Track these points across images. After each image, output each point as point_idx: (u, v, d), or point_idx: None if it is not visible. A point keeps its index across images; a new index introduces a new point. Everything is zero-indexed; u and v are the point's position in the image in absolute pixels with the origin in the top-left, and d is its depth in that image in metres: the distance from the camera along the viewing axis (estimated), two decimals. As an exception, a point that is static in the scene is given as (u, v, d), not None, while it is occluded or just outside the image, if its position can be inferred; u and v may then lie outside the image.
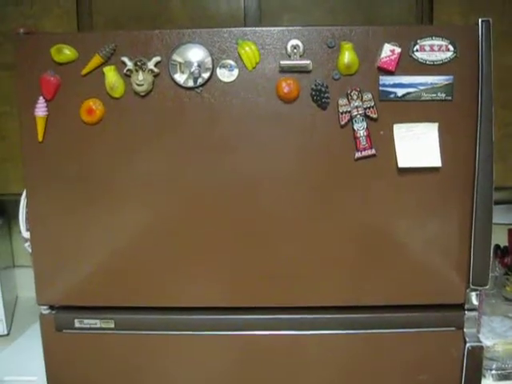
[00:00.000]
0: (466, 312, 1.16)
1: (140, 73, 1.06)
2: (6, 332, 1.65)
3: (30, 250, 1.19)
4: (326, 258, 1.14)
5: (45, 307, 1.19)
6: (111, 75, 1.07)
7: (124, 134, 1.10)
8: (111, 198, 1.13)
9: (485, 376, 1.34)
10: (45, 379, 1.23)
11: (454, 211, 1.12)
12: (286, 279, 1.15)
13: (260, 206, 1.12)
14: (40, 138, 1.10)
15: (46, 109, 1.09)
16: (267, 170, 1.10)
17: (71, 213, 1.14)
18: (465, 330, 1.17)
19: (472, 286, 1.13)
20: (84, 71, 1.08)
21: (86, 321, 1.17)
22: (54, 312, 1.19)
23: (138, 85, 1.06)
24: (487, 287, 1.13)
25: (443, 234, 1.13)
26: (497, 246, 1.81)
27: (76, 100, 1.09)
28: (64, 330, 1.18)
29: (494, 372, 1.35)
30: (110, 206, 1.13)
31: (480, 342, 1.15)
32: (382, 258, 1.14)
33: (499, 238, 1.72)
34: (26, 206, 1.18)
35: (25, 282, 1.86)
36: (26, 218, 1.20)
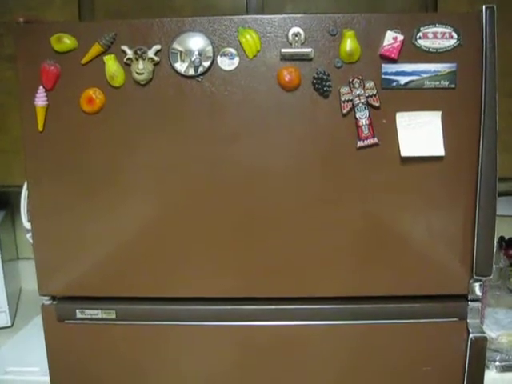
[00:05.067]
0: (470, 303, 1.15)
1: (140, 61, 1.05)
2: (9, 323, 1.66)
3: (32, 241, 1.18)
4: (328, 248, 1.13)
5: (46, 298, 1.19)
6: (111, 64, 1.06)
7: (124, 123, 1.09)
8: (112, 189, 1.12)
9: (488, 367, 1.34)
10: (47, 370, 1.23)
11: (457, 201, 1.11)
12: (290, 270, 1.14)
13: (261, 196, 1.11)
14: (40, 128, 1.10)
15: (45, 98, 1.09)
16: (268, 159, 1.10)
17: (72, 203, 1.14)
18: (468, 320, 1.16)
19: (475, 277, 1.12)
20: (84, 60, 1.07)
21: (87, 311, 1.16)
22: (55, 303, 1.19)
23: (139, 73, 1.06)
24: (491, 277, 1.12)
25: (446, 224, 1.12)
26: (501, 238, 1.80)
27: (76, 89, 1.08)
28: (66, 321, 1.18)
29: (497, 364, 1.34)
30: (110, 196, 1.13)
31: (483, 332, 1.14)
32: (384, 248, 1.13)
33: (504, 230, 1.71)
34: (28, 197, 1.17)
35: (28, 274, 1.85)
36: (28, 209, 1.20)
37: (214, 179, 1.11)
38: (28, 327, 1.63)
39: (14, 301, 1.79)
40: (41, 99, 1.08)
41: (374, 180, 1.10)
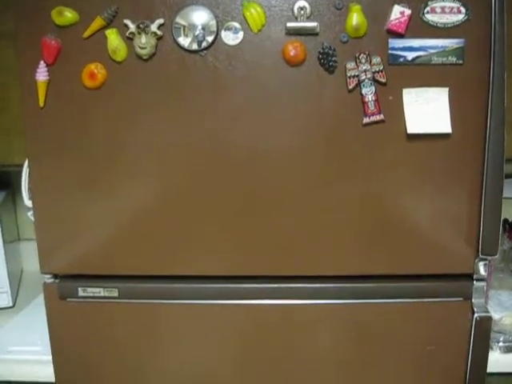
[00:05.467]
0: (475, 282, 1.15)
1: (143, 36, 1.03)
2: (11, 304, 1.66)
3: (33, 219, 1.17)
4: (332, 227, 1.12)
5: (48, 276, 1.18)
6: (113, 38, 1.04)
7: (127, 98, 1.08)
8: (114, 166, 1.11)
9: (492, 348, 1.34)
10: (49, 349, 1.22)
11: (463, 179, 1.09)
12: (292, 248, 1.13)
13: (264, 173, 1.10)
14: (41, 104, 1.08)
15: (47, 73, 1.07)
16: (272, 135, 1.08)
17: (74, 181, 1.12)
18: (473, 300, 1.15)
19: (481, 256, 1.11)
20: (85, 34, 1.05)
21: (89, 289, 1.16)
22: (57, 281, 1.18)
23: (141, 48, 1.04)
24: (496, 256, 1.11)
25: (452, 203, 1.11)
26: (505, 221, 1.79)
27: (77, 64, 1.06)
28: (68, 299, 1.17)
29: (501, 344, 1.34)
30: (112, 173, 1.11)
31: (488, 312, 1.14)
32: (389, 226, 1.12)
33: (508, 213, 1.69)
34: (29, 175, 1.16)
35: (30, 255, 1.85)
36: (29, 187, 1.19)
37: (217, 156, 1.09)
38: (30, 307, 1.63)
39: (16, 282, 1.79)
40: (42, 74, 1.06)
41: (380, 157, 1.09)
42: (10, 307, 1.66)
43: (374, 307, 1.15)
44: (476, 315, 1.13)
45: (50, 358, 1.24)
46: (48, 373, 1.26)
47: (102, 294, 1.16)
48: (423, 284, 1.15)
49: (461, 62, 1.05)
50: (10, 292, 1.66)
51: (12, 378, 1.33)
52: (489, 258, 1.12)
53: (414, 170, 1.09)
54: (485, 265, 1.13)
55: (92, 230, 1.14)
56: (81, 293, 1.16)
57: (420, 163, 1.09)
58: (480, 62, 1.05)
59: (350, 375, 1.21)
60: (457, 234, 1.12)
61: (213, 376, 1.22)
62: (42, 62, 1.06)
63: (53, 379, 1.25)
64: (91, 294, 1.16)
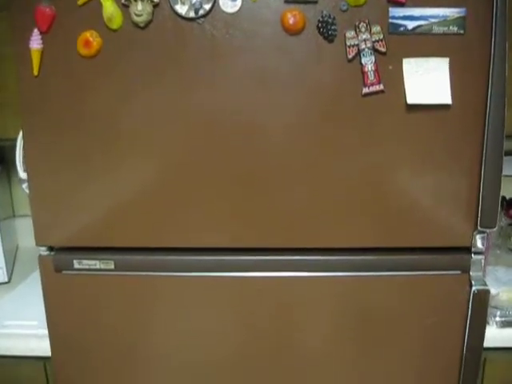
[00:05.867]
0: (473, 255, 1.14)
1: (139, 2, 1.01)
2: (6, 279, 1.65)
3: (28, 192, 1.16)
4: (330, 198, 1.11)
5: (43, 248, 1.17)
6: (109, 5, 1.02)
7: (122, 67, 1.06)
8: (110, 135, 1.09)
9: (489, 323, 1.34)
10: (45, 323, 1.22)
11: (463, 151, 1.08)
12: (290, 221, 1.12)
13: (263, 143, 1.08)
14: (35, 72, 1.06)
15: (41, 41, 1.05)
16: (271, 104, 1.06)
17: (69, 152, 1.11)
18: (471, 273, 1.15)
19: (480, 228, 1.11)
20: (80, 1, 1.03)
21: (85, 261, 1.15)
22: (52, 253, 1.17)
23: (137, 15, 1.02)
24: (495, 229, 1.11)
25: (451, 176, 1.10)
26: (503, 198, 1.79)
27: (72, 32, 1.04)
28: (63, 271, 1.16)
29: (498, 319, 1.34)
30: (108, 145, 1.10)
31: (486, 285, 1.13)
32: (388, 199, 1.11)
33: (505, 190, 1.69)
34: (23, 146, 1.15)
35: (25, 232, 1.84)
36: (23, 159, 1.17)
37: (214, 126, 1.08)
38: (26, 282, 1.63)
39: (11, 258, 1.78)
40: (35, 42, 1.05)
41: (379, 129, 1.07)
42: (6, 283, 1.66)
43: (372, 280, 1.15)
44: (474, 288, 1.13)
45: (46, 332, 1.23)
46: (44, 347, 1.26)
47: (97, 267, 1.15)
48: (421, 257, 1.14)
49: (462, 31, 1.03)
50: (5, 268, 1.66)
51: (8, 353, 1.33)
52: (487, 230, 1.11)
53: (414, 141, 1.08)
54: (483, 238, 1.13)
55: (88, 202, 1.13)
56: (76, 265, 1.15)
57: (419, 135, 1.08)
58: (481, 33, 1.04)
59: (348, 347, 1.20)
60: (456, 207, 1.11)
61: (210, 348, 1.21)
62: (35, 30, 1.05)
63: (49, 353, 1.25)
64: (87, 267, 1.15)
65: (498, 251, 1.67)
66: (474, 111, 1.07)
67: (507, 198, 1.79)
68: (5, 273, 1.66)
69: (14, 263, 1.79)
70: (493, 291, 1.40)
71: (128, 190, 1.12)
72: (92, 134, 1.09)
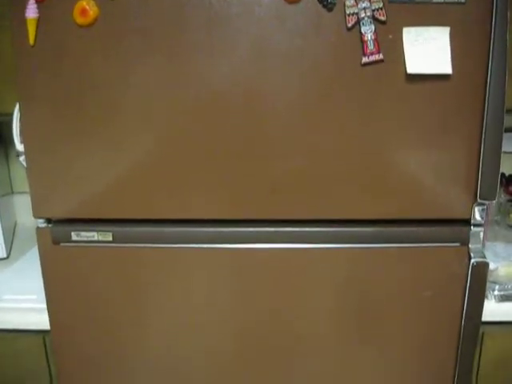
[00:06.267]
0: (472, 227, 1.14)
1: (136, -30, 1.00)
2: (5, 255, 1.65)
3: (25, 164, 1.15)
4: (328, 169, 1.11)
5: (41, 221, 1.17)
6: (105, -27, 1.01)
7: (119, 36, 1.04)
8: (106, 107, 1.08)
9: (487, 298, 1.34)
10: (44, 298, 1.22)
11: (463, 122, 1.08)
12: (288, 191, 1.12)
13: (261, 113, 1.07)
14: (31, 42, 1.05)
15: (36, 10, 1.03)
16: (268, 74, 1.05)
17: (66, 124, 1.10)
18: (470, 245, 1.14)
19: (479, 200, 1.10)
20: (76, -31, 1.02)
21: (83, 233, 1.14)
22: (50, 225, 1.17)
23: (134, -17, 1.00)
24: (494, 201, 1.10)
25: (451, 147, 1.09)
26: (502, 175, 1.78)
27: (68, 0, 1.03)
28: (61, 244, 1.16)
29: (496, 293, 1.35)
30: (105, 115, 1.09)
31: (485, 257, 1.13)
32: (386, 170, 1.10)
33: (505, 167, 1.68)
34: (20, 118, 1.14)
35: (23, 209, 1.84)
36: (20, 131, 1.16)
37: (211, 96, 1.07)
38: (24, 258, 1.63)
39: (10, 234, 1.78)
40: (31, 11, 1.03)
41: (378, 99, 1.06)
42: (4, 258, 1.65)
43: (371, 252, 1.15)
44: (473, 260, 1.13)
45: (44, 306, 1.23)
46: (43, 320, 1.26)
47: (95, 239, 1.14)
48: (421, 229, 1.14)
49: (463, 0, 1.02)
50: (3, 244, 1.66)
51: (7, 326, 1.33)
52: (487, 202, 1.10)
53: (413, 112, 1.07)
54: (482, 210, 1.12)
55: (85, 173, 1.12)
56: (74, 237, 1.14)
57: (419, 106, 1.07)
58: (482, 2, 1.02)
59: (346, 319, 1.21)
60: (455, 179, 1.10)
61: (207, 319, 1.21)
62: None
63: (48, 327, 1.25)
64: (85, 239, 1.14)
65: (497, 227, 1.67)
66: (474, 83, 1.06)
67: (506, 174, 1.78)
68: (3, 249, 1.66)
69: (12, 240, 1.79)
70: (491, 266, 1.39)
71: (126, 162, 1.11)
72: (89, 105, 1.08)
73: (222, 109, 1.07)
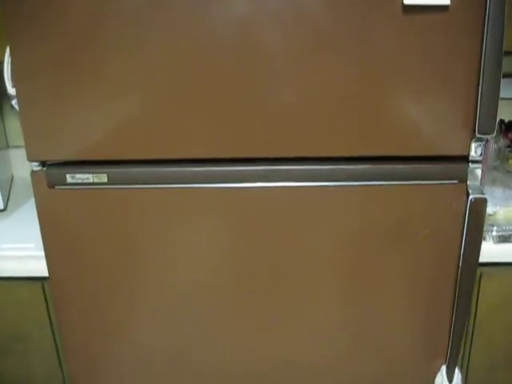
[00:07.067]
0: (470, 164, 1.13)
1: None
2: (2, 207, 1.65)
3: (18, 108, 1.14)
4: (323, 106, 1.08)
5: (36, 164, 1.15)
6: None
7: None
8: (99, 43, 1.05)
9: (485, 239, 1.34)
10: (41, 246, 1.22)
11: (462, 55, 1.05)
12: (283, 129, 1.10)
13: (254, 51, 1.05)
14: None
15: None
16: (262, 9, 1.02)
17: (59, 62, 1.07)
18: (468, 182, 1.13)
19: (478, 135, 1.08)
20: None
21: (78, 175, 1.13)
22: (44, 168, 1.15)
23: None
24: (493, 135, 1.09)
25: (449, 81, 1.07)
26: (501, 121, 1.77)
27: None
28: (56, 187, 1.15)
29: (494, 234, 1.35)
30: (97, 54, 1.06)
31: (483, 194, 1.12)
32: (384, 105, 1.08)
33: (503, 113, 1.67)
34: (11, 62, 1.12)
35: (20, 162, 1.84)
36: (12, 75, 1.14)
37: (206, 36, 1.04)
38: (22, 209, 1.63)
39: (6, 187, 1.78)
40: None
41: (375, 32, 1.04)
42: (2, 210, 1.65)
43: (367, 190, 1.14)
44: (471, 197, 1.11)
45: (42, 253, 1.23)
46: (41, 268, 1.26)
47: (90, 181, 1.13)
48: (418, 166, 1.13)
49: None
50: (0, 196, 1.65)
51: (5, 274, 1.33)
52: (485, 137, 1.09)
53: (411, 46, 1.05)
54: (480, 146, 1.11)
55: (79, 114, 1.10)
56: (69, 179, 1.13)
57: (416, 39, 1.04)
58: None
59: (343, 257, 1.21)
60: (453, 112, 1.08)
61: (205, 259, 1.22)
62: None
63: (46, 274, 1.25)
64: (80, 181, 1.13)
65: (496, 173, 1.66)
66: (473, 13, 1.03)
67: (506, 121, 1.77)
68: (0, 201, 1.65)
69: (9, 193, 1.78)
70: (490, 210, 1.40)
71: (119, 102, 1.09)
72: (83, 40, 1.05)
73: (216, 49, 1.05)
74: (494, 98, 1.06)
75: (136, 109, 1.09)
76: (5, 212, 1.65)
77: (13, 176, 1.90)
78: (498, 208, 1.44)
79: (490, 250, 1.32)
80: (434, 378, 1.33)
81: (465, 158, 1.13)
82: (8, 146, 1.90)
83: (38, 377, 1.46)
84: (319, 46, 1.05)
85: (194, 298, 1.25)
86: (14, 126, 1.88)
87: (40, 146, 1.13)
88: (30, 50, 1.07)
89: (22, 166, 1.84)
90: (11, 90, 1.17)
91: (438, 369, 1.32)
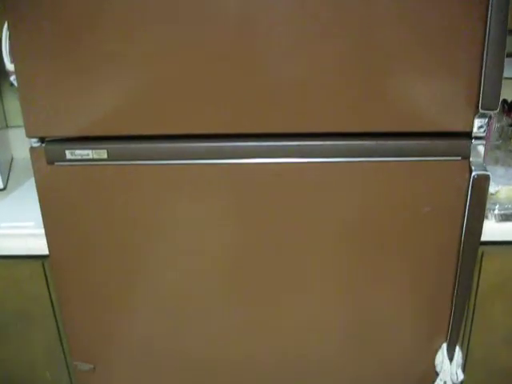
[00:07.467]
0: (473, 140, 1.12)
1: None
2: (2, 186, 1.64)
3: (16, 84, 1.12)
4: (326, 80, 1.07)
5: (35, 140, 1.15)
6: None
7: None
8: (98, 21, 1.04)
9: (487, 217, 1.33)
10: (42, 224, 1.21)
11: (465, 33, 1.03)
12: (289, 103, 1.08)
13: (257, 25, 1.03)
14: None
15: None
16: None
17: (57, 37, 1.05)
18: (471, 159, 1.12)
19: (481, 111, 1.07)
20: None
21: (77, 152, 1.12)
22: (44, 145, 1.14)
23: None
24: (497, 111, 1.07)
25: (452, 57, 1.06)
26: (504, 101, 1.76)
27: None
28: (55, 163, 1.14)
29: (496, 212, 1.34)
30: (99, 27, 1.04)
31: (486, 170, 1.11)
32: (385, 81, 1.07)
33: (507, 93, 1.66)
34: (9, 38, 1.10)
35: (19, 143, 1.83)
36: (10, 50, 1.13)
37: (209, 9, 1.03)
38: (21, 189, 1.62)
39: (6, 166, 1.77)
40: None
41: (375, 9, 1.02)
42: (2, 189, 1.64)
43: (370, 166, 1.13)
44: (474, 173, 1.11)
45: (42, 231, 1.22)
46: (41, 246, 1.26)
47: (90, 157, 1.12)
48: (421, 142, 1.12)
49: None
50: (0, 175, 1.64)
51: (5, 252, 1.33)
52: (488, 112, 1.08)
53: (412, 23, 1.03)
54: (484, 122, 1.10)
55: (78, 89, 1.09)
56: (69, 156, 1.12)
57: (418, 14, 1.03)
58: None
59: (346, 233, 1.20)
60: (456, 88, 1.07)
61: (207, 236, 1.21)
62: None
63: (46, 252, 1.25)
64: (79, 157, 1.12)
65: (499, 152, 1.65)
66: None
67: (509, 100, 1.76)
68: (0, 180, 1.64)
69: (9, 173, 1.77)
70: (492, 189, 1.39)
71: (120, 78, 1.08)
72: (83, 17, 1.04)
73: (218, 23, 1.03)
74: (498, 74, 1.05)
75: (136, 84, 1.08)
76: (4, 191, 1.64)
77: (13, 157, 1.90)
78: (500, 187, 1.42)
79: (492, 229, 1.31)
80: (435, 356, 1.33)
81: (468, 135, 1.12)
82: (7, 126, 1.89)
83: (38, 354, 1.46)
84: (322, 15, 1.03)
85: (195, 272, 1.25)
86: (12, 105, 1.87)
87: (39, 122, 1.12)
88: (29, 28, 1.06)
89: (21, 147, 1.84)
90: (9, 66, 1.16)
91: (439, 347, 1.32)
